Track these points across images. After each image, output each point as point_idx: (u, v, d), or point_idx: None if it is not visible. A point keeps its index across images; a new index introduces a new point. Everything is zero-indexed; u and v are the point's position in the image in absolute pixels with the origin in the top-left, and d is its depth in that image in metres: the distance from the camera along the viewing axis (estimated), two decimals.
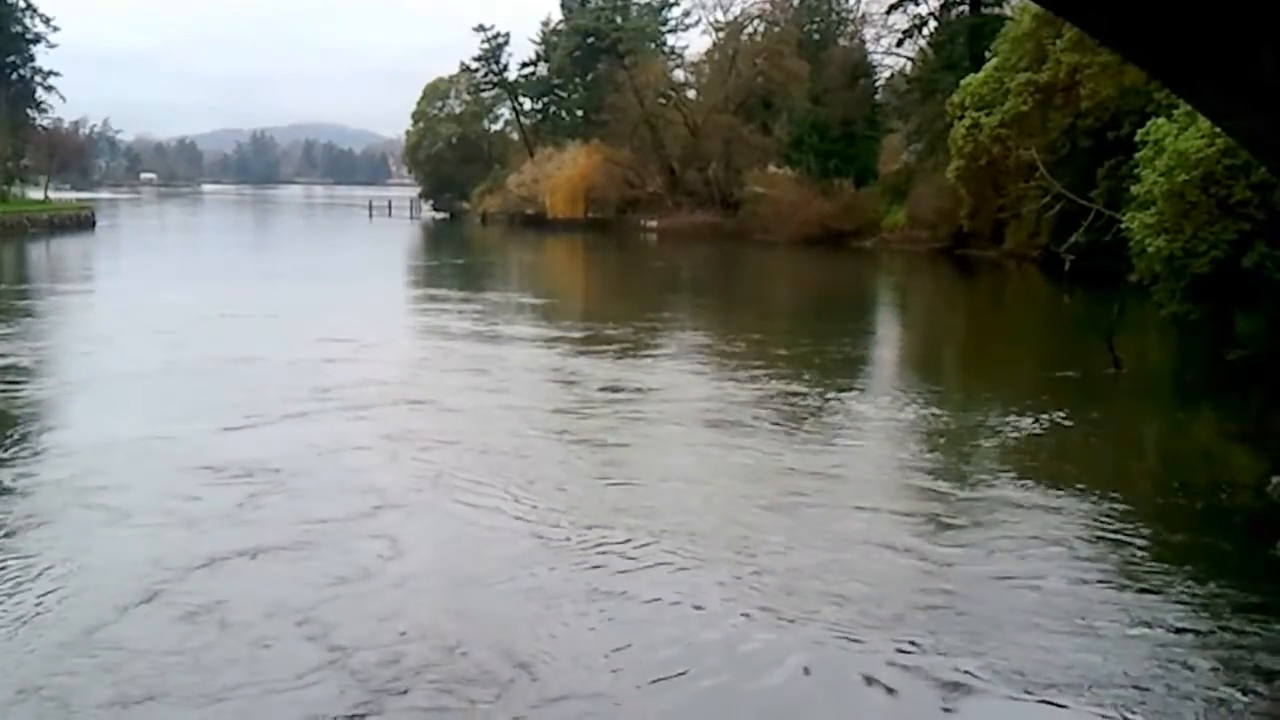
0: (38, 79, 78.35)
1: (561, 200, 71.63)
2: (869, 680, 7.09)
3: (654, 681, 7.04)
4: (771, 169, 61.08)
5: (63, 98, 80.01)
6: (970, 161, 37.43)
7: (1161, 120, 19.25)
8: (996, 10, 49.33)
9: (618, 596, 8.34)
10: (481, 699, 6.75)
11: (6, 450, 12.35)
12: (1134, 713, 6.62)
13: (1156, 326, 21.09)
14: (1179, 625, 7.86)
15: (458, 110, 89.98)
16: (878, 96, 62.88)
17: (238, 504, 10.43)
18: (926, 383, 18.55)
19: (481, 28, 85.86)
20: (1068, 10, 7.68)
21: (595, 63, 77.53)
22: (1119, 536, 9.79)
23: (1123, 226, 20.38)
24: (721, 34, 71.68)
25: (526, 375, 18.70)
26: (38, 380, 16.86)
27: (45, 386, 16.51)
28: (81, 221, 64.99)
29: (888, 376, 20.14)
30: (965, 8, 50.96)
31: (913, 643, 7.51)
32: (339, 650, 7.30)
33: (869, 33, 63.18)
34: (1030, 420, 14.46)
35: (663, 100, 73.00)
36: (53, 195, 75.16)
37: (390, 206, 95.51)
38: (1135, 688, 6.92)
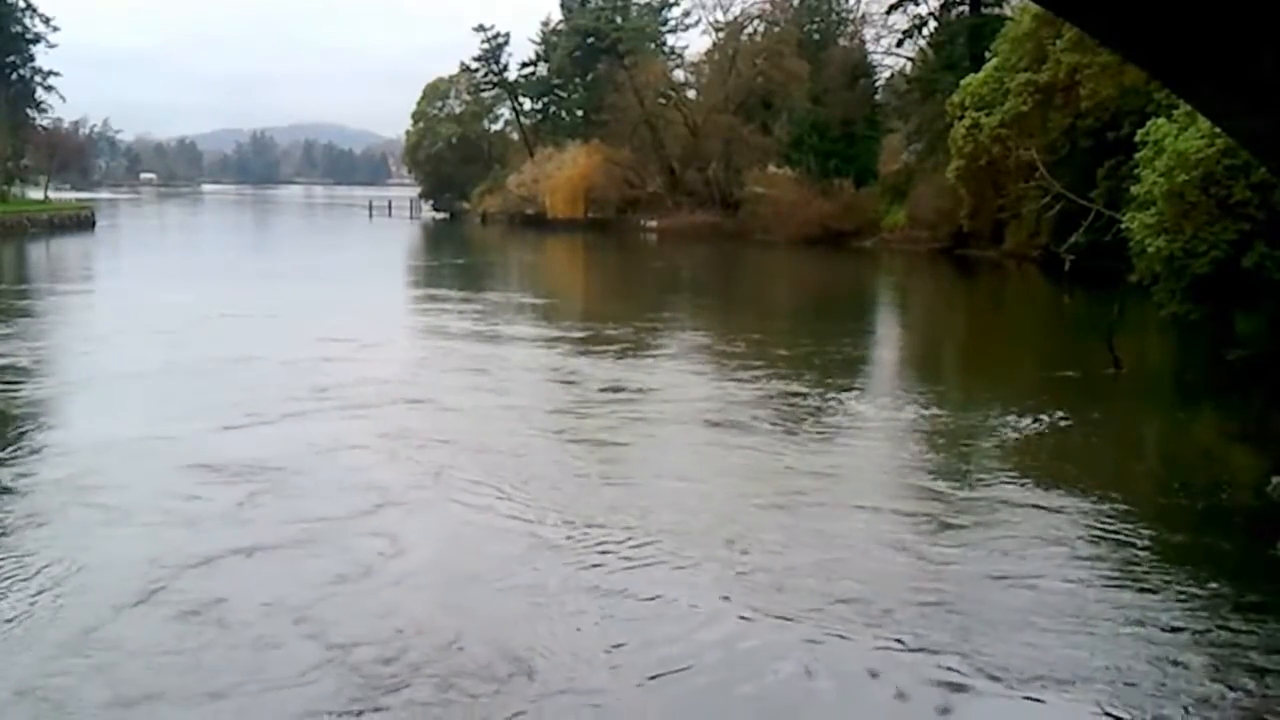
0: (38, 79, 78.32)
1: (561, 200, 71.63)
2: (862, 677, 7.12)
3: (652, 678, 7.06)
4: (771, 169, 61.09)
5: (63, 98, 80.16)
6: (970, 161, 37.42)
7: (1161, 120, 19.24)
8: (996, 10, 49.33)
9: (616, 594, 8.34)
10: (481, 694, 6.76)
11: (6, 450, 12.34)
12: (1116, 708, 6.64)
13: (1156, 326, 21.09)
14: (1174, 624, 7.86)
15: (458, 110, 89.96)
16: (878, 96, 62.87)
17: (237, 503, 10.43)
18: (926, 383, 18.55)
19: (481, 28, 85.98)
20: (1068, 10, 7.68)
21: (595, 63, 77.53)
22: (1119, 536, 9.79)
23: (1123, 226, 20.37)
24: (721, 34, 71.72)
25: (526, 375, 18.70)
26: (37, 380, 16.86)
27: (45, 386, 16.50)
28: (81, 221, 64.98)
29: (888, 376, 20.14)
30: (965, 8, 50.97)
31: (907, 640, 7.53)
32: (338, 647, 7.31)
33: (869, 33, 63.28)
34: (1030, 420, 14.46)
35: (663, 100, 73.00)
36: (52, 195, 75.16)
37: (390, 207, 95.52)
38: (1124, 684, 6.94)
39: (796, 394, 16.33)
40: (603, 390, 16.65)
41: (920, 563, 9.15)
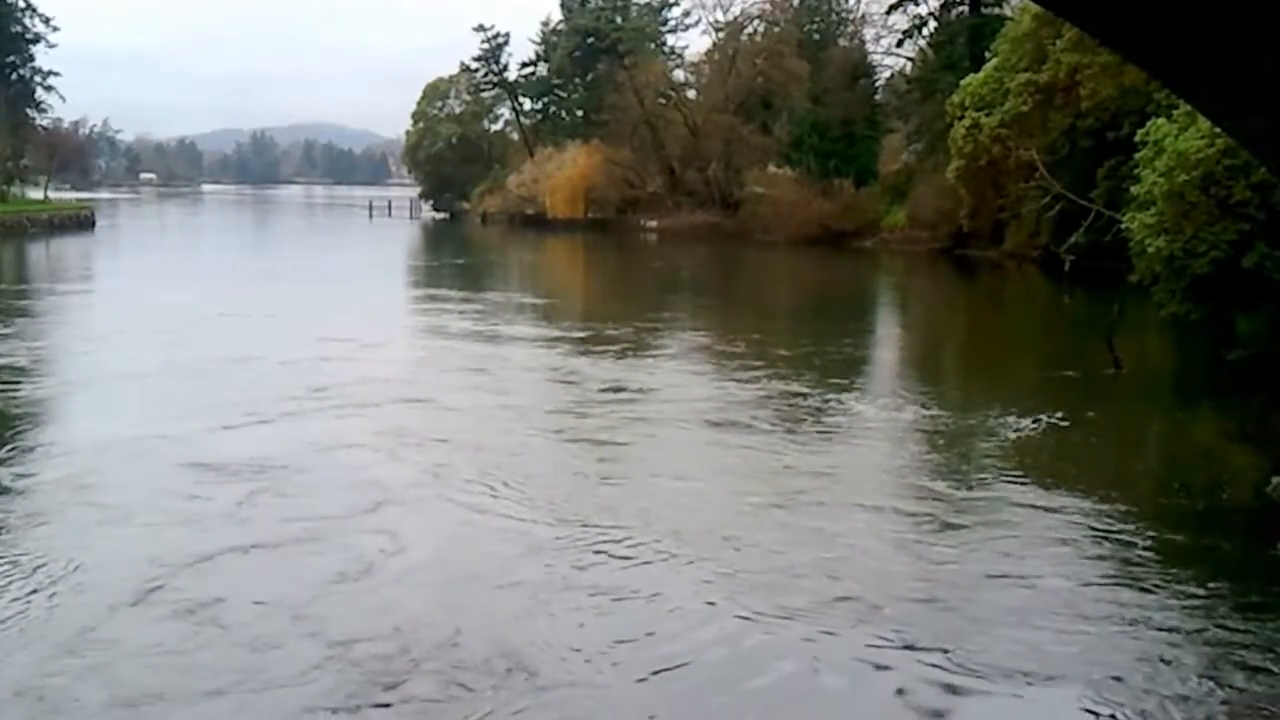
0: (37, 79, 78.29)
1: (561, 200, 71.62)
2: (859, 675, 7.15)
3: (653, 674, 7.08)
4: (771, 169, 61.07)
5: (62, 98, 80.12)
6: (970, 161, 37.41)
7: (1161, 120, 19.23)
8: (996, 10, 49.32)
9: (616, 592, 8.35)
10: (482, 690, 6.79)
11: (5, 449, 12.34)
12: (1104, 704, 6.66)
13: (1156, 327, 21.08)
14: (1171, 624, 7.87)
15: (458, 110, 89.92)
16: (878, 96, 62.86)
17: (237, 502, 10.43)
18: (926, 383, 18.55)
19: (481, 28, 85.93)
20: (1068, 10, 7.67)
21: (595, 63, 77.53)
22: (1118, 536, 9.79)
23: (1123, 227, 20.37)
24: (721, 34, 71.70)
25: (526, 375, 18.70)
26: (37, 380, 16.86)
27: (44, 386, 16.50)
28: (81, 221, 64.97)
29: (888, 377, 20.13)
30: (965, 8, 50.96)
31: (903, 638, 7.54)
32: (339, 644, 7.32)
33: (869, 33, 63.29)
34: (1030, 420, 14.45)
35: (663, 100, 73.00)
36: (52, 195, 75.17)
37: (390, 206, 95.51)
38: (1115, 681, 6.95)
39: (796, 394, 16.32)
40: (603, 390, 16.65)
41: (919, 562, 9.15)
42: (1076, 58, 33.19)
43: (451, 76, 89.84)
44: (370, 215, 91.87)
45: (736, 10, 70.57)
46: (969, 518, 10.36)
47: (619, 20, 78.26)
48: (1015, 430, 14.05)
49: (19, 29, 75.86)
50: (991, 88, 37.11)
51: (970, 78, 38.86)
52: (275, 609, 7.93)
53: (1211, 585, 8.55)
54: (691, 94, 74.97)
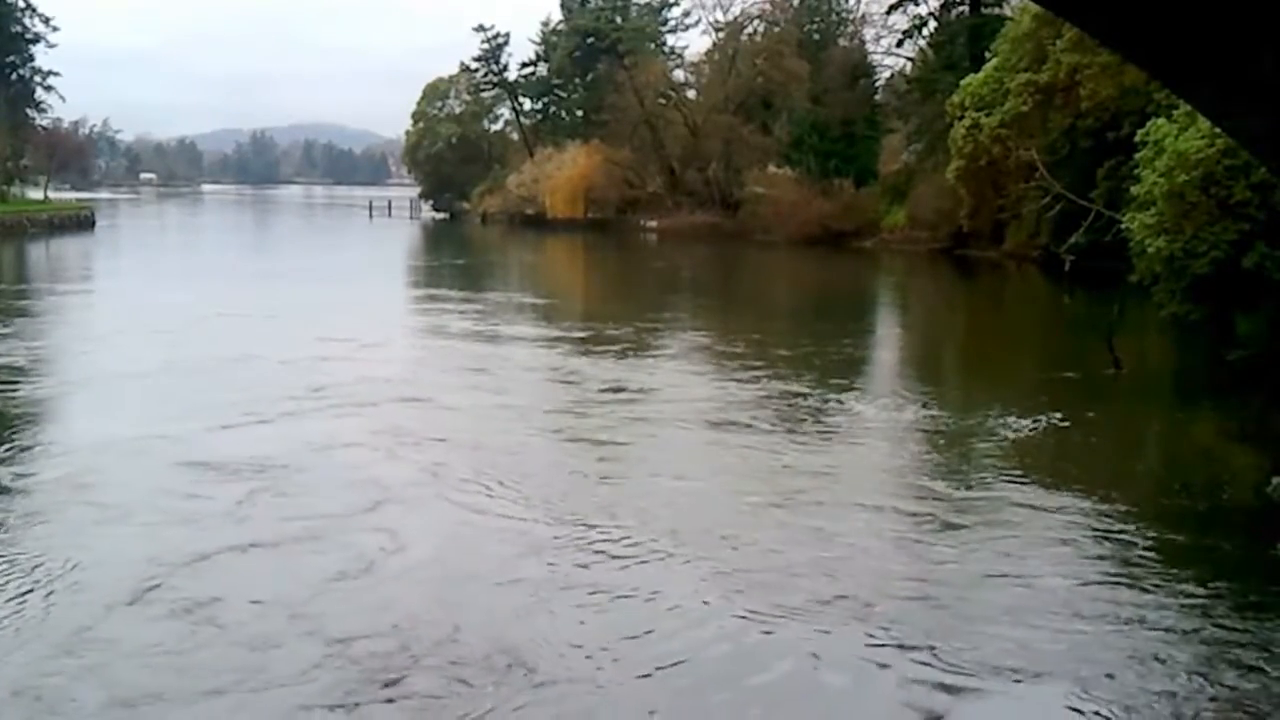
0: (37, 79, 78.21)
1: (561, 200, 71.61)
2: (856, 672, 7.18)
3: (653, 671, 7.11)
4: (771, 169, 61.06)
5: (62, 98, 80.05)
6: (970, 162, 37.40)
7: (1161, 120, 19.23)
8: (996, 10, 49.30)
9: (615, 591, 8.35)
10: (483, 685, 6.83)
11: (5, 449, 12.34)
12: (1090, 699, 6.69)
13: (1156, 327, 21.09)
14: (1168, 623, 7.88)
15: (458, 110, 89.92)
16: (878, 96, 62.87)
17: (237, 501, 10.44)
18: (926, 383, 18.54)
19: (481, 28, 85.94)
20: (1068, 10, 7.66)
21: (595, 63, 77.52)
22: (1118, 536, 9.78)
23: (1123, 227, 20.36)
24: (721, 34, 71.68)
25: (526, 375, 18.69)
26: (36, 379, 16.85)
27: (44, 386, 16.50)
28: (81, 221, 64.95)
29: (888, 377, 20.12)
30: (965, 8, 50.94)
31: (899, 637, 7.56)
32: (338, 641, 7.33)
33: (869, 33, 63.29)
34: (1030, 421, 14.44)
35: (663, 100, 72.98)
36: (52, 195, 75.14)
37: (390, 207, 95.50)
38: (1105, 676, 6.99)
39: (796, 394, 16.32)
40: (603, 390, 16.64)
41: (917, 561, 9.15)
42: (1076, 58, 33.17)
43: (451, 76, 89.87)
44: (370, 215, 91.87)
45: (736, 10, 70.69)
46: (968, 517, 10.36)
47: (619, 20, 78.26)
48: (1015, 430, 14.04)
49: (19, 29, 75.80)
50: (991, 88, 37.09)
51: (970, 78, 38.84)
52: (274, 607, 7.94)
53: (1211, 585, 8.55)
54: (691, 94, 74.96)
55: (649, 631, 7.71)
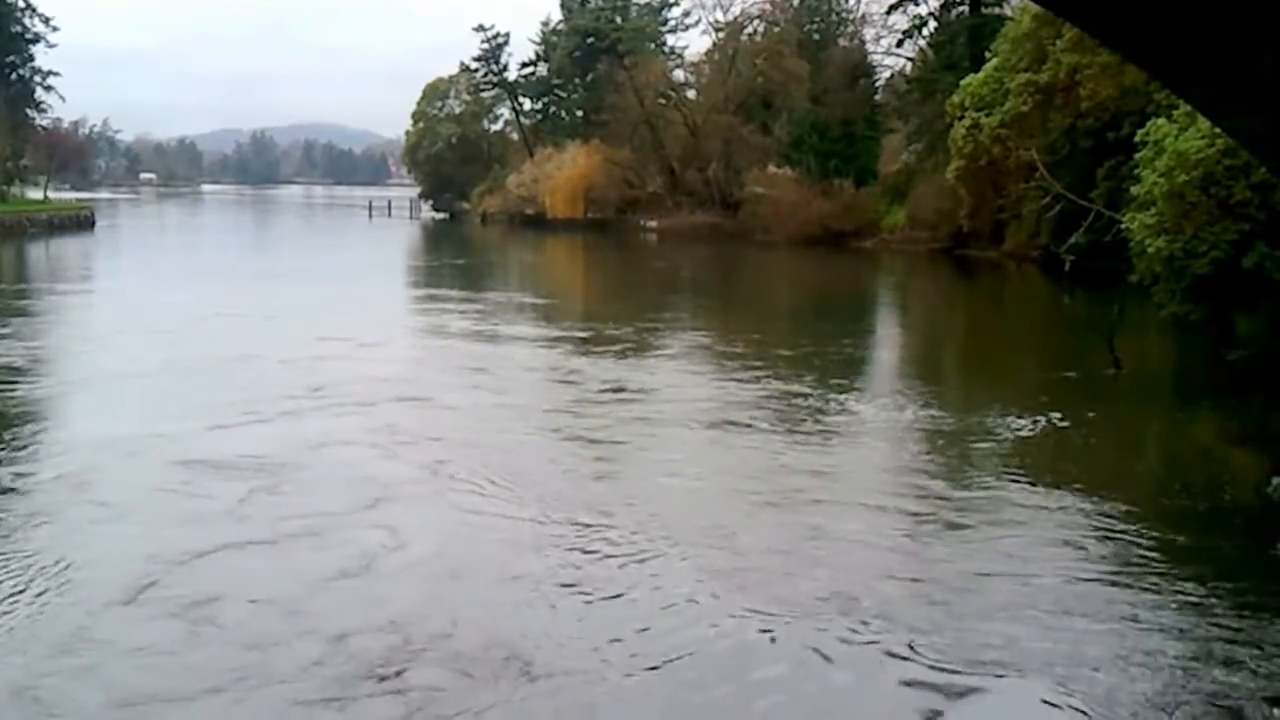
0: (37, 79, 78.14)
1: (561, 200, 71.62)
2: (853, 671, 7.20)
3: (652, 668, 7.12)
4: (771, 169, 61.03)
5: (62, 98, 79.98)
6: (970, 162, 37.41)
7: (1161, 120, 19.22)
8: (996, 10, 49.33)
9: (614, 589, 8.36)
10: (483, 680, 6.86)
11: (5, 449, 12.33)
12: (1074, 694, 6.73)
13: (1156, 327, 21.08)
14: (1164, 622, 7.88)
15: (458, 110, 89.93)
16: (878, 96, 62.88)
17: (238, 499, 10.44)
18: (926, 383, 18.52)
19: (481, 28, 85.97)
20: (1068, 10, 7.67)
21: (595, 63, 77.52)
22: (1118, 536, 9.78)
23: (1123, 227, 20.35)
24: (721, 34, 71.68)
25: (526, 374, 18.69)
26: (36, 379, 16.85)
27: (44, 385, 16.50)
28: (81, 221, 64.94)
29: (888, 377, 20.13)
30: (965, 8, 50.96)
31: (896, 635, 7.57)
32: (337, 637, 7.36)
33: (869, 33, 63.33)
34: (1030, 421, 14.44)
35: (663, 100, 72.98)
36: (52, 195, 75.14)
37: (390, 207, 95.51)
38: (1094, 670, 7.03)
39: (796, 394, 16.31)
40: (603, 390, 16.64)
41: (916, 560, 9.16)
42: (1076, 58, 33.18)
43: (451, 76, 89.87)
44: (370, 215, 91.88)
45: (736, 10, 70.70)
46: (968, 517, 10.36)
47: (619, 20, 78.26)
48: (1015, 430, 14.04)
49: (19, 29, 75.74)
50: (991, 88, 37.10)
51: (970, 78, 38.85)
52: (274, 604, 7.96)
53: (1209, 585, 8.54)
54: (691, 94, 74.95)
55: (647, 628, 7.73)
